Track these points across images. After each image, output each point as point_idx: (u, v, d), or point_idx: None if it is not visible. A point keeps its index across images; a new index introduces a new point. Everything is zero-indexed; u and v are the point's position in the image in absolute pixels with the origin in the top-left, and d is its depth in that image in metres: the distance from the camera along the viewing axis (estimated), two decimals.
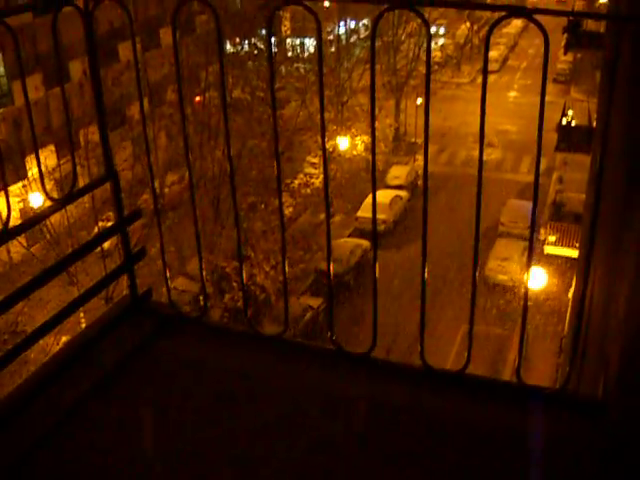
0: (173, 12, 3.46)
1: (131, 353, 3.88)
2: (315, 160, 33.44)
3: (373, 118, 3.43)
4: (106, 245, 18.96)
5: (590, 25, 34.11)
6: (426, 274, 3.34)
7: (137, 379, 3.72)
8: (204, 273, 4.45)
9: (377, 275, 3.67)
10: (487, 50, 3.02)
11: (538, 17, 2.88)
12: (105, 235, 4.20)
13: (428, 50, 3.10)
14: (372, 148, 3.38)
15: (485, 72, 3.05)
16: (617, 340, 3.15)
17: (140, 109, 4.01)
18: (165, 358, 3.87)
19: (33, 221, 3.66)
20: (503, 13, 2.79)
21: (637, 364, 2.45)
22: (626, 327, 2.94)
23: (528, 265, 3.44)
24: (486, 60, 3.06)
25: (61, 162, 27.41)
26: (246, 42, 31.96)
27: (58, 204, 3.74)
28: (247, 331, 3.99)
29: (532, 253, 3.42)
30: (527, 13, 2.75)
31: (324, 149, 3.60)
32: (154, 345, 3.93)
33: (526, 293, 3.53)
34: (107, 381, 3.65)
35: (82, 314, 18.31)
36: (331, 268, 3.72)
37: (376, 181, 3.52)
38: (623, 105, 3.73)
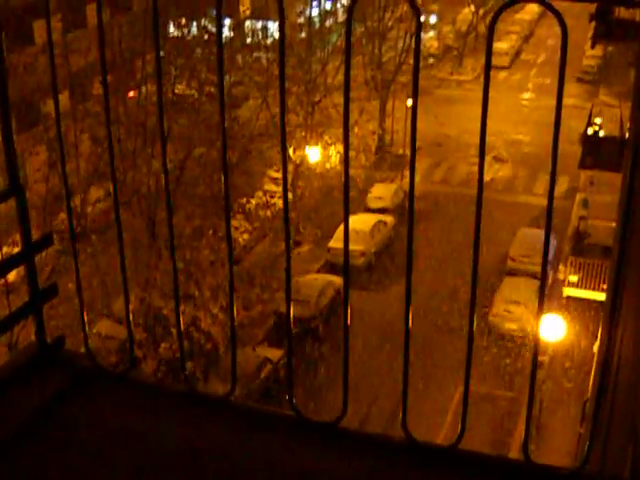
0: None
1: (36, 416, 3.75)
2: (278, 175, 33.28)
3: (347, 120, 3.40)
4: (11, 277, 18.66)
5: (623, 12, 34.48)
6: (414, 321, 3.31)
7: (42, 449, 3.64)
8: (132, 316, 4.37)
9: (349, 322, 3.62)
10: (491, 40, 3.02)
11: (557, 3, 2.89)
12: (8, 265, 4.14)
13: (417, 41, 3.09)
14: (345, 160, 3.36)
15: (488, 69, 3.05)
16: None
17: (55, 105, 3.97)
18: (79, 424, 3.79)
19: None
20: None
21: None
22: None
23: (539, 311, 3.43)
24: (489, 53, 3.05)
25: None
26: (194, 24, 31.83)
27: None
28: (186, 391, 3.93)
29: (544, 295, 3.40)
30: None
31: (285, 160, 3.56)
32: (66, 407, 3.84)
33: (536, 347, 3.52)
34: (2, 452, 3.58)
35: None
36: (292, 312, 3.68)
37: (354, 203, 3.49)
38: None
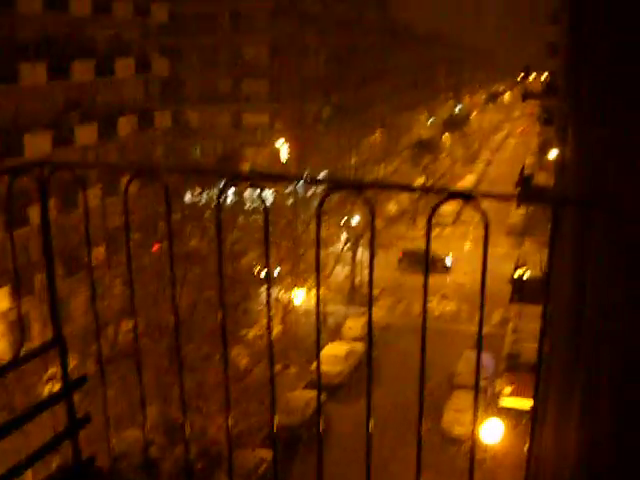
0: (127, 185, 3.54)
1: None
2: (272, 311, 33.39)
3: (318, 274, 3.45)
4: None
5: (540, 179, 35.41)
6: (378, 428, 3.24)
7: None
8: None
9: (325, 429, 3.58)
10: (429, 233, 3.02)
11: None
12: (51, 401, 4.13)
13: (372, 226, 3.11)
14: (317, 306, 3.38)
15: (427, 264, 3.07)
16: None
17: (87, 257, 4.07)
18: None
19: None
20: (444, 195, 2.87)
21: None
22: None
23: (475, 417, 3.39)
24: (428, 241, 3.06)
25: (15, 306, 27.11)
26: (205, 194, 32.41)
27: (3, 370, 3.74)
28: None
29: (477, 403, 3.36)
30: (467, 196, 2.82)
31: (268, 305, 3.63)
32: None
33: (472, 448, 3.45)
34: None
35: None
36: (282, 421, 3.66)
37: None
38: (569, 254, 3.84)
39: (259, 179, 3.27)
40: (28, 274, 28.81)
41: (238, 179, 3.16)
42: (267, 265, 3.78)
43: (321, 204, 3.06)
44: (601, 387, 2.05)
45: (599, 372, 2.17)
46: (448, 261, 53.86)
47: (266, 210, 3.31)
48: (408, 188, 3.08)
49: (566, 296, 3.93)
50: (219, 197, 3.39)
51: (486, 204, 2.92)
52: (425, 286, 3.09)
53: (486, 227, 2.87)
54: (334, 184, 3.05)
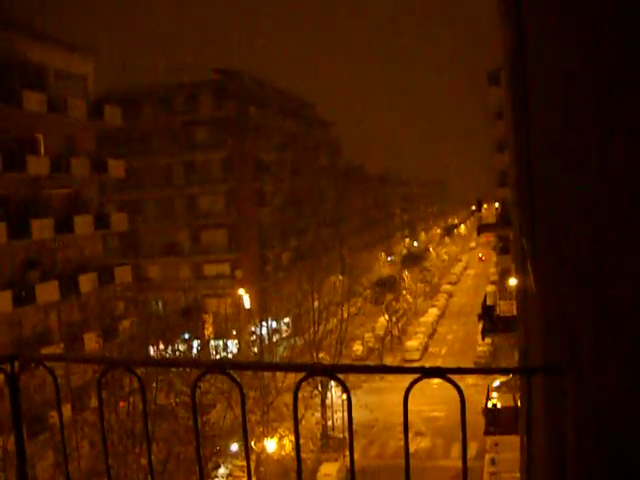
0: (99, 379, 3.59)
1: None
2: (243, 463, 32.81)
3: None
4: None
5: (503, 308, 35.71)
6: None
7: None
8: None
9: None
10: (406, 412, 3.05)
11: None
12: None
13: (349, 408, 3.14)
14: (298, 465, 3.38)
15: (406, 437, 3.09)
16: None
17: (59, 419, 3.99)
18: None
19: None
20: (418, 375, 2.89)
21: None
22: None
23: None
24: (406, 419, 3.04)
25: None
26: (169, 347, 32.37)
27: None
28: None
29: None
30: (441, 373, 2.84)
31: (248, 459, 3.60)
32: None
33: None
34: None
35: None
36: None
37: None
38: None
39: (234, 368, 3.30)
40: None
41: (213, 370, 3.22)
42: (246, 451, 3.72)
43: (297, 390, 3.09)
44: None
45: None
46: None
47: (242, 394, 3.30)
48: (382, 369, 3.16)
49: (542, 427, 4.01)
50: (193, 390, 3.38)
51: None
52: (406, 459, 3.08)
53: (462, 402, 2.90)
54: (309, 370, 3.13)
